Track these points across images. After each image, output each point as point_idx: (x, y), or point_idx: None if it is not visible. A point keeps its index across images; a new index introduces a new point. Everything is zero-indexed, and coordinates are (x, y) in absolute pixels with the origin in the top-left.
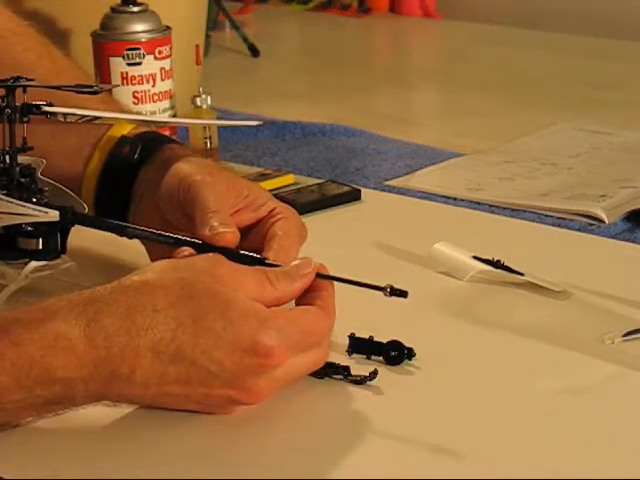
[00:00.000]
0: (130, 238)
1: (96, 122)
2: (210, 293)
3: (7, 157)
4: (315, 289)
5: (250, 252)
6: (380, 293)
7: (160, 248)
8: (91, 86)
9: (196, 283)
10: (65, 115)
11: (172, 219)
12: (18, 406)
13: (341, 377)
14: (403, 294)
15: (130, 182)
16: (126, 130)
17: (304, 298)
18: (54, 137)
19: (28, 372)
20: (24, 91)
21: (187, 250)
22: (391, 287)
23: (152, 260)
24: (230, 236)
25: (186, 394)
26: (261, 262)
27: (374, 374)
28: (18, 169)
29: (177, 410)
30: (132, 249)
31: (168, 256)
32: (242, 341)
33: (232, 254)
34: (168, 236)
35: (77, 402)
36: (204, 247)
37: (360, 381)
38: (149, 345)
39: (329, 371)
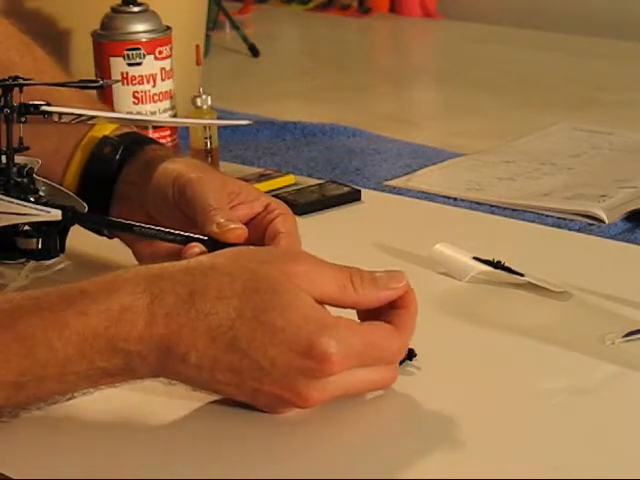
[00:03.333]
0: (137, 236)
1: (90, 122)
2: (276, 290)
3: (5, 157)
4: (397, 306)
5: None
6: None
7: (145, 248)
8: (96, 81)
9: (264, 276)
10: (60, 115)
11: (163, 219)
12: (79, 377)
13: None
14: None
15: (111, 182)
16: (108, 130)
17: (383, 314)
18: (35, 138)
19: (92, 343)
20: (20, 91)
21: (197, 246)
22: None
23: (138, 260)
24: (241, 232)
25: (236, 384)
26: None
27: None
28: (15, 169)
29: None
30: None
31: (156, 256)
32: (298, 343)
33: None
34: (177, 234)
35: (135, 375)
36: (214, 244)
37: None
38: (206, 330)
39: None
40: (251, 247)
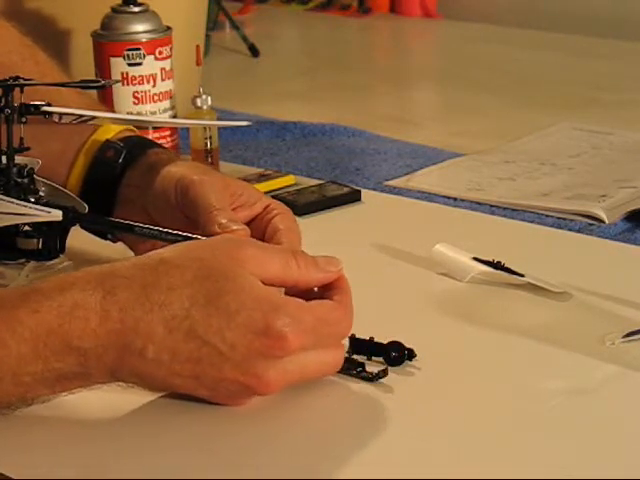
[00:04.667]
0: (138, 237)
1: (91, 122)
2: (226, 276)
3: (5, 157)
4: (333, 287)
5: None
6: (380, 295)
7: (147, 250)
8: (97, 81)
9: (214, 264)
10: (61, 115)
11: (165, 221)
12: (35, 379)
13: (355, 372)
14: None
15: (114, 186)
16: (110, 134)
17: (323, 296)
18: (37, 141)
19: (45, 340)
20: (21, 91)
21: None
22: None
23: None
24: (243, 232)
25: (196, 375)
26: None
27: (384, 372)
28: (16, 169)
29: (188, 399)
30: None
31: None
32: (254, 324)
33: None
34: (178, 234)
35: (92, 379)
36: None
37: (372, 378)
38: (162, 321)
39: (344, 365)
40: (199, 240)
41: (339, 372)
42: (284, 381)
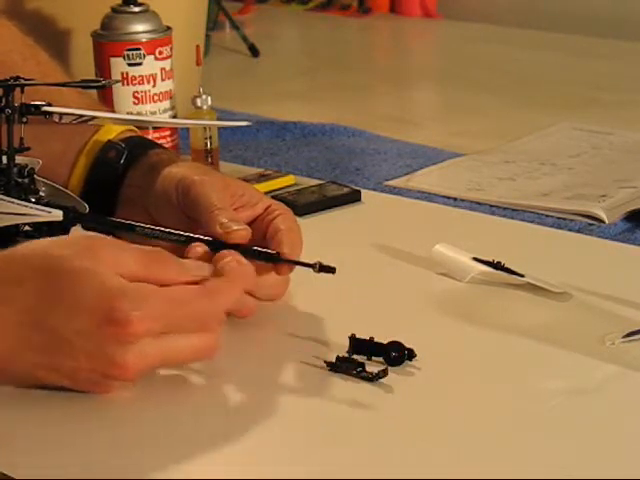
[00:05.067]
0: (139, 237)
1: (91, 122)
2: (74, 267)
3: (6, 157)
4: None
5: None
6: (380, 295)
7: None
8: (98, 80)
9: (66, 258)
10: (61, 115)
11: (167, 222)
12: None
13: (355, 372)
14: (331, 270)
15: (116, 186)
16: (112, 134)
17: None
18: (38, 141)
19: None
20: (22, 91)
21: (199, 245)
22: (320, 263)
23: None
24: (244, 232)
25: (55, 367)
26: (277, 258)
27: (384, 372)
28: (16, 169)
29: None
30: None
31: None
32: (99, 310)
33: (247, 251)
34: (179, 234)
35: None
36: (216, 244)
37: (372, 378)
38: (12, 316)
39: (343, 365)
40: (59, 238)
41: (339, 372)
42: (145, 364)
